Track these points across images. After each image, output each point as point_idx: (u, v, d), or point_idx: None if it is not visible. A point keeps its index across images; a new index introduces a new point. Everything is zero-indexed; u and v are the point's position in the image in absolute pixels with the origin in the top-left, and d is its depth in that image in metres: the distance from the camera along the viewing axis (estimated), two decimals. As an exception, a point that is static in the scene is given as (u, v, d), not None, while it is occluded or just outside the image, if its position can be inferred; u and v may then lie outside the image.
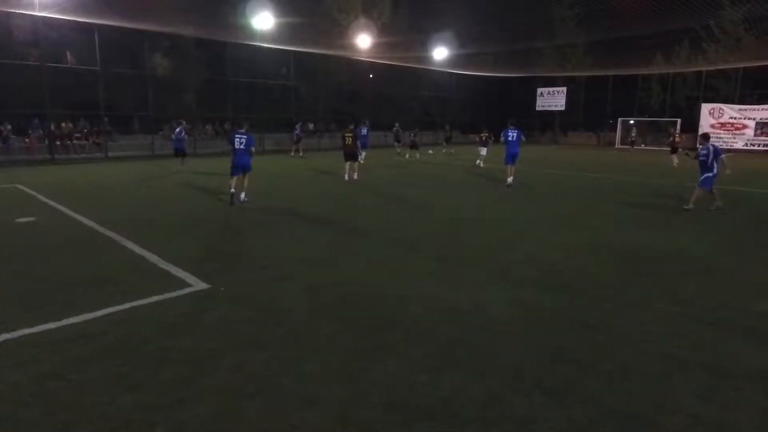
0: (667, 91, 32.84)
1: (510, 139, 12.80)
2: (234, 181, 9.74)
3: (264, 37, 25.36)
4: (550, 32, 31.40)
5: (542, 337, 3.93)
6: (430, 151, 25.93)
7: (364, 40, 27.99)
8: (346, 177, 13.55)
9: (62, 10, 18.22)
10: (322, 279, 5.30)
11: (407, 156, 21.02)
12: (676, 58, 30.06)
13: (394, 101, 34.64)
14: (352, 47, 28.32)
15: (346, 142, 13.51)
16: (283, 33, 25.52)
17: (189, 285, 5.00)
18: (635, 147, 30.81)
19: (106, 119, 22.05)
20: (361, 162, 18.22)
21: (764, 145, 27.77)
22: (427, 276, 5.46)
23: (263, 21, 23.80)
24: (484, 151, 18.87)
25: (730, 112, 28.95)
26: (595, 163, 20.96)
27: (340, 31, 28.52)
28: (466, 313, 4.38)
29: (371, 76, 34.52)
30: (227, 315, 4.29)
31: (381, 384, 3.20)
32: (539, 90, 38.22)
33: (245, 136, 9.66)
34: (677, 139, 19.84)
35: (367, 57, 30.35)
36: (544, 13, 29.80)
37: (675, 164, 18.36)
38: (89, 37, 20.58)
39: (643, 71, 32.02)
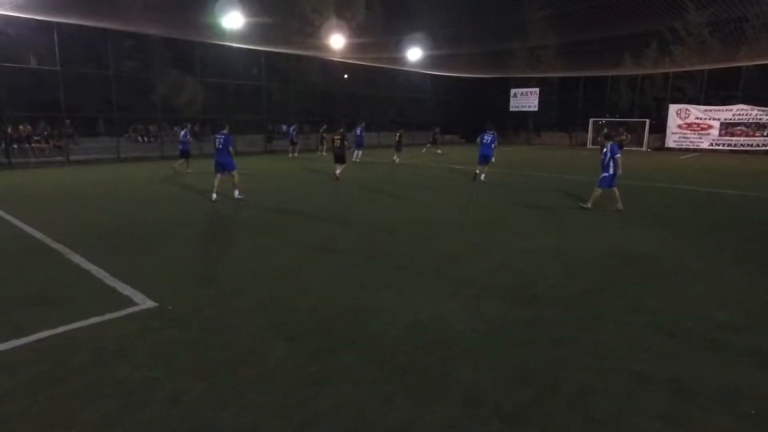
0: (635, 91, 33.50)
1: (484, 141, 13.64)
2: (217, 179, 10.43)
3: (234, 36, 24.82)
4: (523, 33, 31.63)
5: (503, 354, 3.76)
6: (439, 151, 25.80)
7: (337, 41, 27.69)
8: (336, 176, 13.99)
9: (17, 7, 17.40)
10: (280, 293, 5.04)
11: (395, 159, 20.23)
12: (644, 60, 30.65)
13: (369, 102, 34.45)
14: (326, 48, 27.98)
15: (335, 144, 14.07)
16: (254, 32, 25.02)
17: (135, 304, 4.68)
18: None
19: (67, 121, 21.19)
20: (357, 161, 18.19)
21: (728, 145, 28.56)
22: (391, 287, 5.25)
23: (233, 20, 23.25)
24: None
25: (696, 112, 29.68)
26: (567, 164, 21.14)
27: (313, 31, 28.18)
28: (426, 329, 4.18)
29: (345, 76, 34.27)
30: (170, 338, 3.99)
31: (328, 414, 2.97)
32: (512, 91, 38.56)
33: (223, 136, 10.27)
34: (623, 138, 22.29)
35: (341, 58, 30.06)
36: (516, 15, 30.00)
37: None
38: (48, 36, 19.73)
39: (612, 72, 32.58)
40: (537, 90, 37.14)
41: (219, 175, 10.40)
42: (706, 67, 28.96)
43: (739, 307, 4.77)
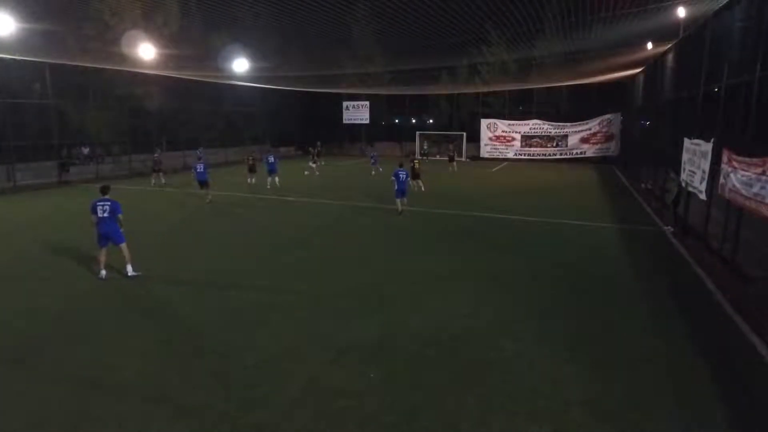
0: (453, 107, 36.59)
1: (401, 179, 14.83)
2: (103, 254, 9.02)
3: (4, 45, 20.13)
4: (351, 49, 31.95)
5: None
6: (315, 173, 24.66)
7: (148, 51, 24.28)
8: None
9: None
10: None
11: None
12: (459, 78, 33.52)
13: (194, 117, 31.42)
14: (135, 58, 24.41)
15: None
16: (34, 40, 20.65)
17: None
18: (429, 157, 34.08)
19: None
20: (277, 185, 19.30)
21: (528, 155, 32.80)
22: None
23: (1, 25, 18.79)
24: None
25: (502, 126, 33.45)
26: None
27: (115, 39, 24.38)
28: None
29: (162, 88, 30.66)
30: None
31: None
32: (345, 104, 39.05)
33: (109, 203, 8.87)
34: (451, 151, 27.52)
35: (155, 70, 26.62)
36: (343, 30, 30.05)
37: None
38: None
39: (431, 91, 35.08)
40: (367, 103, 38.18)
41: (104, 249, 9.01)
42: (508, 87, 32.85)
43: (545, 418, 4.76)
